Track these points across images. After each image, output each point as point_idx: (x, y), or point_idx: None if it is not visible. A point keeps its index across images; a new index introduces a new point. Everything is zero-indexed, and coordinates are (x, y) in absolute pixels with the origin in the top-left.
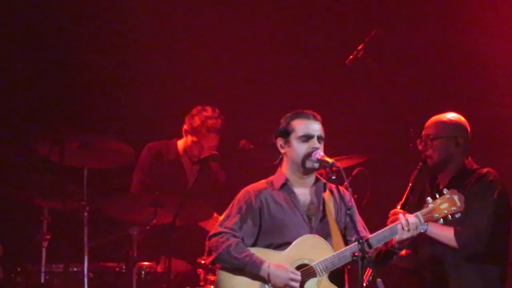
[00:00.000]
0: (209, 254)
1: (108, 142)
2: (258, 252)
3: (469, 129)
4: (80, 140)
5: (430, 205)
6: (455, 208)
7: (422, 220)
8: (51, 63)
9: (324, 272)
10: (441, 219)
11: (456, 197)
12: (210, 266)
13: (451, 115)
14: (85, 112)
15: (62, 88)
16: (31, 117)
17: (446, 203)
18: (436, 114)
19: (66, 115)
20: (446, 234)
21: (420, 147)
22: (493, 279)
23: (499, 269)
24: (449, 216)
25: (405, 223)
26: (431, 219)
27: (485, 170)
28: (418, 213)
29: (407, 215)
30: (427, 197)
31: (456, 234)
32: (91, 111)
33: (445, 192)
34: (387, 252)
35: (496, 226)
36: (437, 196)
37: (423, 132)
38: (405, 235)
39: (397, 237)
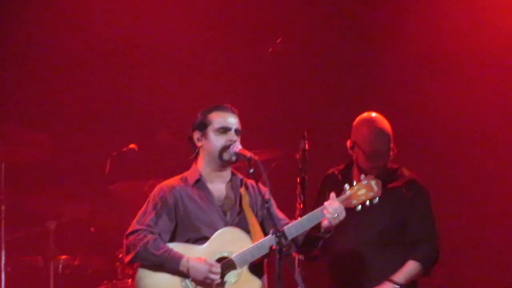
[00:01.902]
0: (127, 252)
1: (25, 134)
2: (177, 247)
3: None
4: None
5: (348, 192)
6: (372, 193)
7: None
8: None
9: (244, 264)
10: (359, 206)
11: (373, 182)
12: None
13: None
14: (3, 105)
15: None
16: None
17: (364, 189)
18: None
19: None
20: (413, 270)
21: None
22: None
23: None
24: (367, 202)
25: (331, 210)
26: (349, 206)
27: (406, 172)
28: (336, 199)
29: (330, 200)
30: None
31: (421, 261)
32: (9, 103)
33: (362, 178)
34: (314, 237)
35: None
36: (354, 182)
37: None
38: (333, 221)
39: (323, 223)
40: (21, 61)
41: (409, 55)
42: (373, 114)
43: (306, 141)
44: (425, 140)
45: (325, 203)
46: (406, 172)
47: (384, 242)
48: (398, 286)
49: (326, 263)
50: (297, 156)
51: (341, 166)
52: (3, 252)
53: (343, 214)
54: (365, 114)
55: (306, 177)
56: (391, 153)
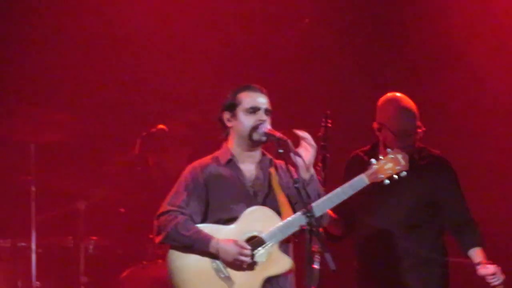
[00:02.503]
0: (158, 233)
1: (54, 115)
2: (207, 228)
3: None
4: (27, 114)
5: (374, 166)
6: (399, 167)
7: (367, 181)
8: None
9: (273, 242)
10: (387, 180)
11: (400, 156)
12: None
13: None
14: (31, 87)
15: (6, 62)
16: None
17: (390, 162)
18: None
19: (12, 90)
20: (481, 252)
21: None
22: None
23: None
24: (395, 175)
25: None
26: (376, 180)
27: (433, 151)
28: (363, 174)
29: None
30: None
31: (483, 246)
32: (37, 85)
33: (388, 152)
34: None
35: None
36: (381, 157)
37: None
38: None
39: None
40: (48, 43)
41: (435, 34)
42: (398, 94)
43: (329, 119)
44: (451, 120)
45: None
46: (433, 151)
47: (413, 223)
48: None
49: (352, 243)
50: (320, 134)
51: (366, 148)
52: (33, 233)
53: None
54: (389, 94)
55: (328, 155)
56: (419, 131)
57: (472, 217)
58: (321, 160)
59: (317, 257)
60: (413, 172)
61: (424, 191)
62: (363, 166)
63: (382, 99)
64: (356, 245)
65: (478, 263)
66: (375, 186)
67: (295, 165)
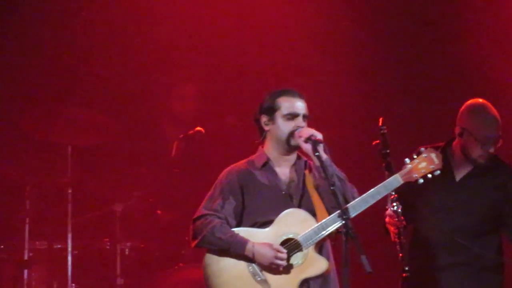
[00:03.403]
0: (194, 237)
1: (91, 117)
2: (243, 232)
3: (472, 115)
4: (65, 116)
5: (408, 166)
6: (433, 166)
7: (401, 181)
8: (36, 40)
9: (309, 244)
10: (421, 179)
11: (433, 155)
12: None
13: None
14: (69, 89)
15: (46, 64)
16: (15, 93)
17: (424, 162)
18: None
19: (51, 91)
20: None
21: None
22: None
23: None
24: (429, 175)
25: None
26: (410, 179)
27: (504, 160)
28: (397, 174)
29: None
30: None
31: None
32: (75, 87)
33: (422, 151)
34: None
35: None
36: (415, 156)
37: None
38: None
39: None
40: (86, 45)
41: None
42: (481, 100)
43: (385, 126)
44: None
45: (369, 192)
46: (505, 161)
47: (480, 231)
48: None
49: (410, 240)
50: (377, 142)
51: (439, 144)
52: (70, 235)
53: None
54: (474, 101)
55: (391, 162)
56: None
57: None
58: (385, 167)
59: None
60: (485, 179)
61: (495, 201)
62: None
63: (468, 105)
64: (414, 243)
65: None
66: (444, 187)
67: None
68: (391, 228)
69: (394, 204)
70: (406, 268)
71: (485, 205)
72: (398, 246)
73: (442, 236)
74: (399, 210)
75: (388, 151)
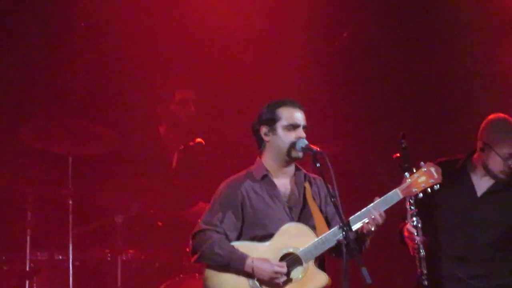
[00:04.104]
0: (193, 252)
1: (93, 128)
2: (242, 246)
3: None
4: (65, 127)
5: (408, 180)
6: (433, 180)
7: (401, 196)
8: (35, 50)
9: (309, 259)
10: (420, 193)
11: (433, 169)
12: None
13: None
14: (69, 99)
15: (45, 74)
16: (15, 103)
17: (424, 176)
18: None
19: (51, 101)
20: None
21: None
22: None
23: None
24: (428, 189)
25: (375, 215)
26: (410, 194)
27: None
28: (397, 189)
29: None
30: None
31: None
32: (75, 97)
33: (421, 165)
34: (359, 237)
35: None
36: (414, 170)
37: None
38: (374, 226)
39: (364, 226)
40: (87, 55)
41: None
42: (503, 116)
43: (403, 139)
44: None
45: (370, 208)
46: None
47: (499, 245)
48: None
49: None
50: (397, 155)
51: (459, 157)
52: (70, 246)
53: (383, 220)
54: (496, 116)
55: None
56: None
57: None
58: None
59: None
60: (507, 194)
61: None
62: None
63: (490, 119)
64: (432, 254)
65: None
66: (465, 201)
67: (331, 179)
68: (410, 243)
69: (414, 219)
70: (425, 283)
71: (507, 219)
72: (417, 261)
73: (461, 249)
74: (419, 225)
75: (408, 164)
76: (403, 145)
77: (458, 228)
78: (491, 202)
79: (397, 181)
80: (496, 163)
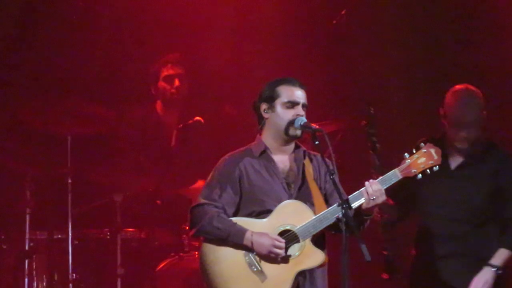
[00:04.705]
0: (192, 226)
1: (91, 107)
2: (240, 222)
3: (448, 98)
4: (63, 106)
5: (407, 161)
6: (432, 161)
7: (399, 176)
8: (33, 31)
9: (307, 236)
10: (420, 174)
11: (433, 150)
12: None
13: None
14: (67, 79)
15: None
16: (14, 84)
17: (423, 157)
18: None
19: (50, 82)
20: (506, 258)
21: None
22: None
23: None
24: (427, 170)
25: (370, 191)
26: (409, 175)
27: (499, 147)
28: (396, 169)
29: (371, 180)
30: None
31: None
32: (73, 77)
33: (421, 146)
34: (358, 217)
35: None
36: (414, 151)
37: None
38: (371, 202)
39: (364, 205)
40: (85, 36)
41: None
42: (462, 85)
43: (371, 107)
44: None
45: (366, 183)
46: (500, 148)
47: (479, 220)
48: (496, 269)
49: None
50: (364, 123)
51: (436, 136)
52: (70, 225)
53: (382, 197)
54: (457, 85)
55: (377, 141)
56: (483, 124)
57: None
58: (371, 148)
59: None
60: (479, 167)
61: (488, 189)
62: None
63: (451, 89)
64: (418, 233)
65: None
66: (439, 176)
67: (331, 156)
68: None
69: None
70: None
71: (481, 193)
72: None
73: (440, 226)
74: None
75: (373, 130)
76: (371, 111)
77: (435, 203)
78: (465, 175)
79: (397, 161)
80: (451, 131)
